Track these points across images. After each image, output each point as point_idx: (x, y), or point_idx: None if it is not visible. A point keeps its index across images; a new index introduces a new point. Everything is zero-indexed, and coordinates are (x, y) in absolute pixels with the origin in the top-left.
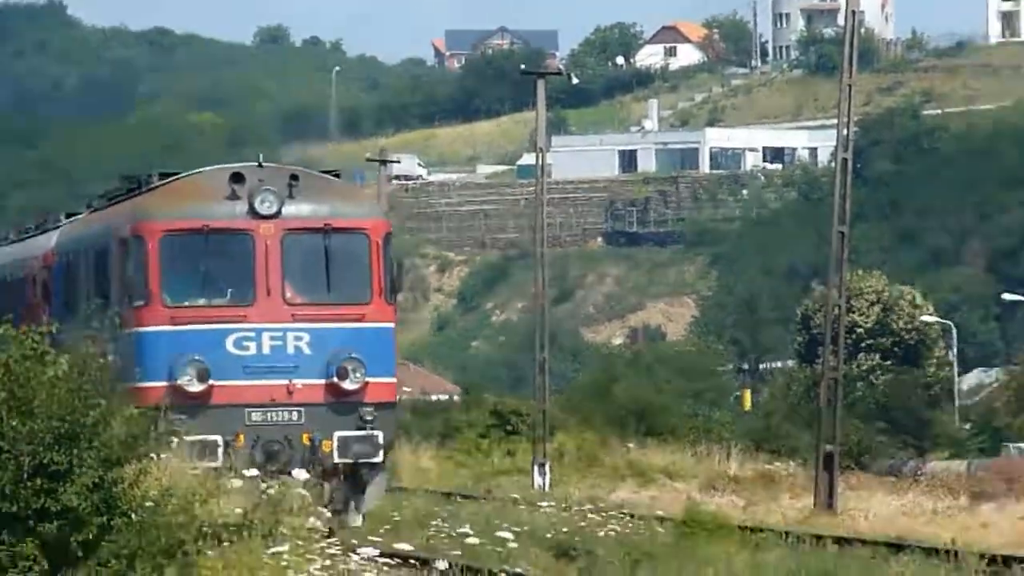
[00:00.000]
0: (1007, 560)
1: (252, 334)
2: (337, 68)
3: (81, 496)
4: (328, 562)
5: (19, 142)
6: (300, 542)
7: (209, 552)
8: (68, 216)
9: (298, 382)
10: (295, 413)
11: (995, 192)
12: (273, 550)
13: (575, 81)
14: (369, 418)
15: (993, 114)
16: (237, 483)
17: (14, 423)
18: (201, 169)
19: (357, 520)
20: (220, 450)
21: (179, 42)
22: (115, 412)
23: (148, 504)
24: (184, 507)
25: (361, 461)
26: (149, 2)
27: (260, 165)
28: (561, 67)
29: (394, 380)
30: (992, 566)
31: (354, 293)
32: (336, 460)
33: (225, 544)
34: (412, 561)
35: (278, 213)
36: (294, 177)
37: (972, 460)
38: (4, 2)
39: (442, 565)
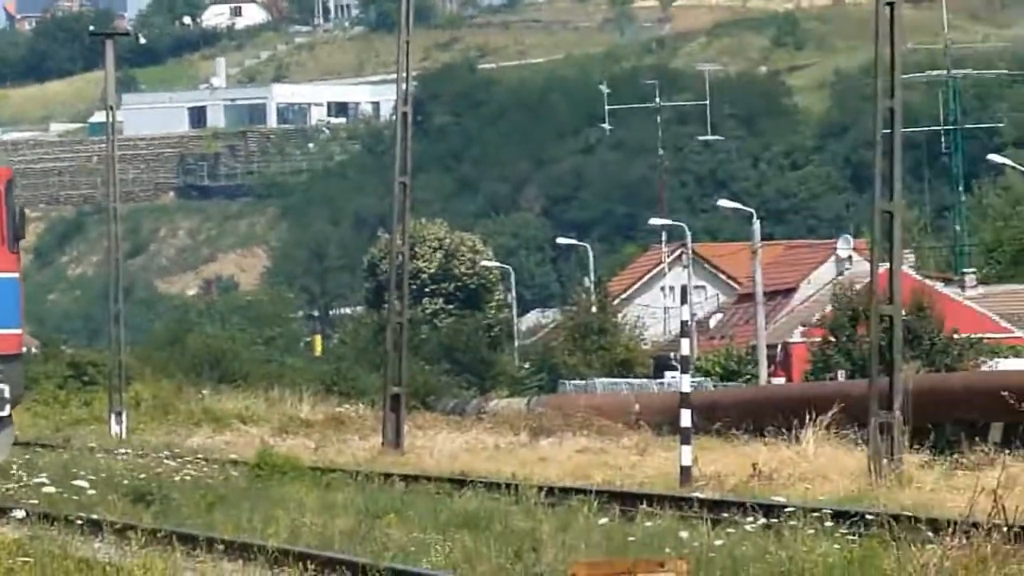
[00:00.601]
0: (564, 491)
1: None
2: None
3: None
4: None
5: None
6: None
7: None
8: None
9: None
10: None
11: (548, 142)
12: None
13: (143, 41)
14: None
15: (545, 68)
16: None
17: None
18: None
19: None
20: None
21: None
22: None
23: None
24: None
25: None
26: None
27: None
28: (129, 28)
29: (20, 332)
30: (549, 497)
31: None
32: None
33: None
34: None
35: None
36: None
37: (531, 397)
38: None
39: (20, 514)
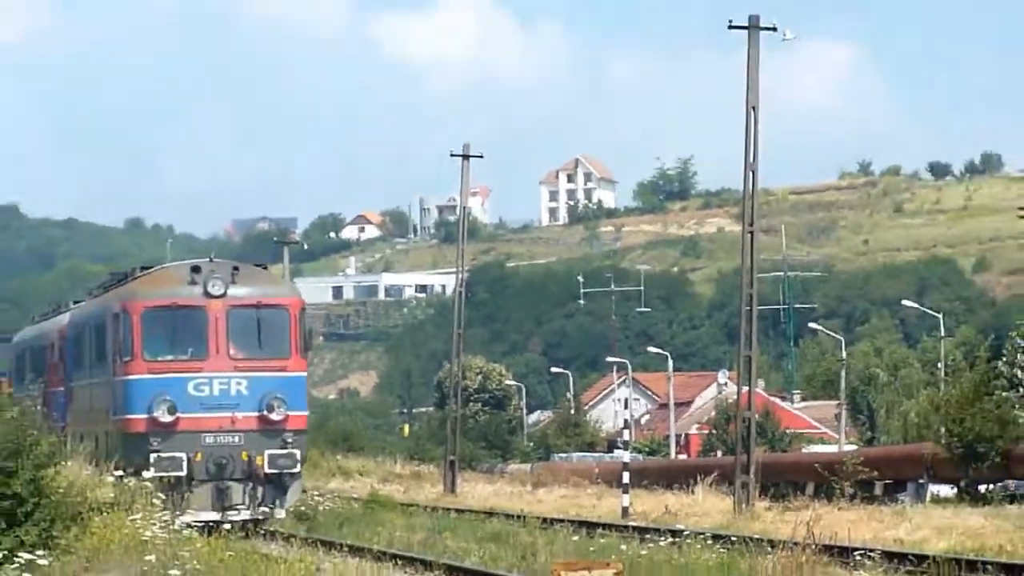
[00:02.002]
0: (551, 520)
1: (206, 380)
2: (170, 240)
3: (23, 486)
4: (163, 524)
5: None
6: (147, 512)
7: (96, 518)
8: (75, 302)
9: (239, 415)
10: (237, 437)
11: (546, 311)
12: (131, 517)
13: (306, 247)
14: (289, 440)
15: (545, 266)
16: (110, 479)
17: None
18: (170, 264)
19: (281, 513)
20: (184, 463)
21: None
22: (41, 438)
23: (60, 491)
24: (81, 492)
25: (284, 471)
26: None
27: (211, 260)
28: (298, 239)
29: (306, 413)
30: (543, 523)
31: (278, 351)
32: (266, 471)
33: (104, 513)
34: (209, 523)
35: (224, 294)
36: (236, 268)
37: (533, 463)
38: None
39: (227, 527)
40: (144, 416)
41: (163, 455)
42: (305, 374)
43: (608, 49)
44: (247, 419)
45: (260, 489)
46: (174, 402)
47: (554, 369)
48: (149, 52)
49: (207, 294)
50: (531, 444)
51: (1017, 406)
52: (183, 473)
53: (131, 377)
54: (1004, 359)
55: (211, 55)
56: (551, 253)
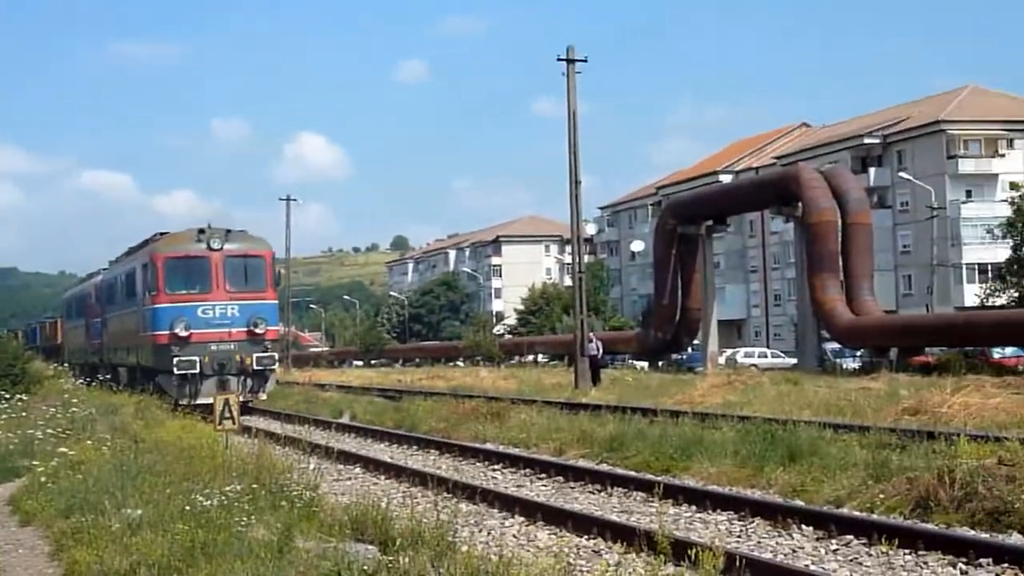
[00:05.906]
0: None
1: (210, 307)
2: None
3: (20, 368)
4: (73, 384)
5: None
6: (66, 379)
7: (46, 381)
8: (104, 268)
9: (233, 330)
10: (233, 345)
11: None
12: (61, 381)
13: None
14: (268, 347)
15: None
16: (51, 367)
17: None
18: (182, 230)
19: (263, 396)
20: (198, 363)
21: None
22: (29, 355)
23: (34, 371)
24: (41, 372)
25: (266, 368)
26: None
27: (209, 226)
28: None
29: (278, 327)
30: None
31: (259, 287)
32: (253, 367)
33: (49, 380)
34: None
35: (221, 248)
36: (228, 231)
37: None
38: None
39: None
40: (167, 332)
41: (183, 358)
42: (276, 302)
43: None
44: (239, 333)
45: (249, 381)
46: (188, 322)
47: None
48: None
49: (210, 248)
50: None
51: None
52: (197, 371)
53: (157, 306)
54: None
55: None
56: None
